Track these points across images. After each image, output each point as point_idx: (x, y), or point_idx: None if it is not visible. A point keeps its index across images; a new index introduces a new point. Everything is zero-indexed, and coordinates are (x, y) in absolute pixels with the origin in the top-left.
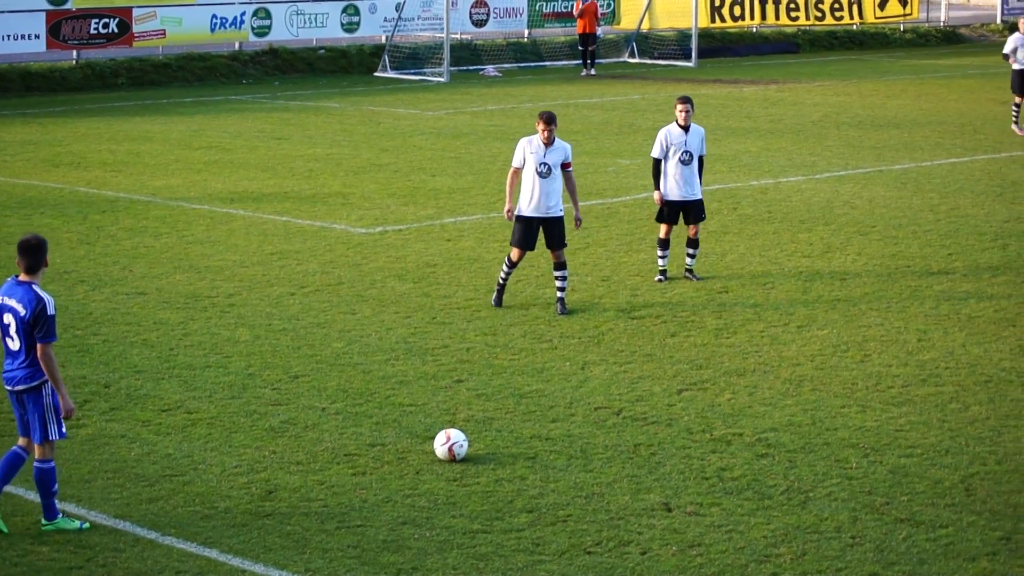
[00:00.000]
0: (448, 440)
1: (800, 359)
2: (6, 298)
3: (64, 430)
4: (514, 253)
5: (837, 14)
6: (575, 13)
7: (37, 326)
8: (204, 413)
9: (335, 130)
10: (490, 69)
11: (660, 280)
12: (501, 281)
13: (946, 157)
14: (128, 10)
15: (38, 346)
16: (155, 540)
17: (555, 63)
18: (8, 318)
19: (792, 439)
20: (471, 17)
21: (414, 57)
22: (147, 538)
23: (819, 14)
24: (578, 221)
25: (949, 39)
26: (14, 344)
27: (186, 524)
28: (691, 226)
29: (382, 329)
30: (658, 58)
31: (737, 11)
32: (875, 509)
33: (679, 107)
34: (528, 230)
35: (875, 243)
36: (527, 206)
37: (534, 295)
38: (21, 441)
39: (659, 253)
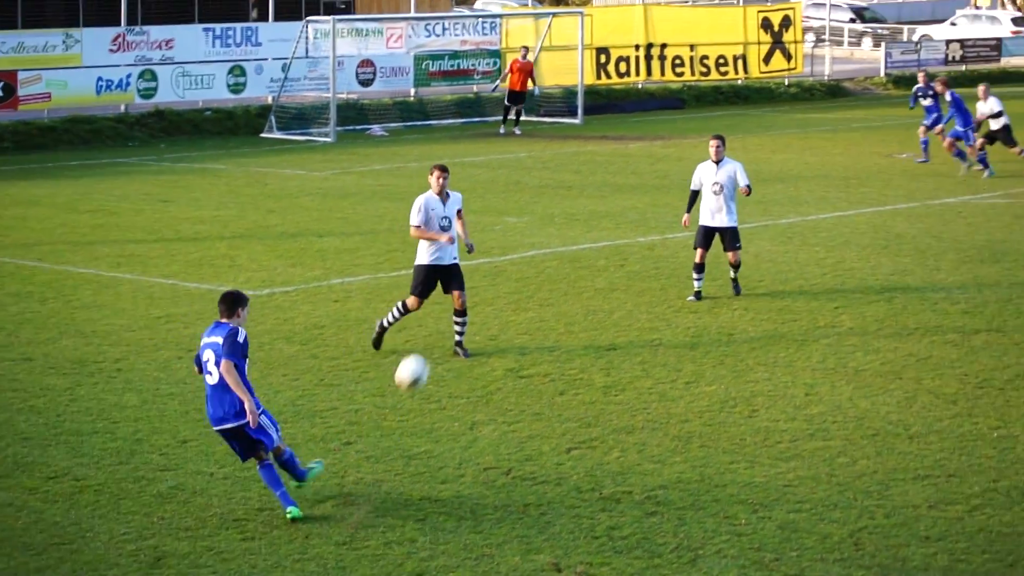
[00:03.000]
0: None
1: (688, 415)
2: (206, 338)
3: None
4: (412, 301)
5: (722, 69)
6: (508, 70)
7: (223, 344)
8: (92, 480)
9: (221, 192)
10: (376, 129)
11: (692, 300)
12: (386, 325)
13: (831, 211)
14: (13, 73)
15: (222, 360)
16: None
17: (441, 122)
18: (208, 354)
19: (681, 496)
20: (357, 77)
21: (300, 117)
22: None
23: (704, 69)
24: (470, 247)
25: (833, 92)
26: (212, 378)
27: None
28: (729, 253)
29: (270, 392)
30: (544, 115)
31: (623, 67)
32: (764, 565)
33: (711, 143)
34: (429, 278)
35: (761, 298)
36: (429, 256)
37: (422, 354)
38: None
39: (695, 276)
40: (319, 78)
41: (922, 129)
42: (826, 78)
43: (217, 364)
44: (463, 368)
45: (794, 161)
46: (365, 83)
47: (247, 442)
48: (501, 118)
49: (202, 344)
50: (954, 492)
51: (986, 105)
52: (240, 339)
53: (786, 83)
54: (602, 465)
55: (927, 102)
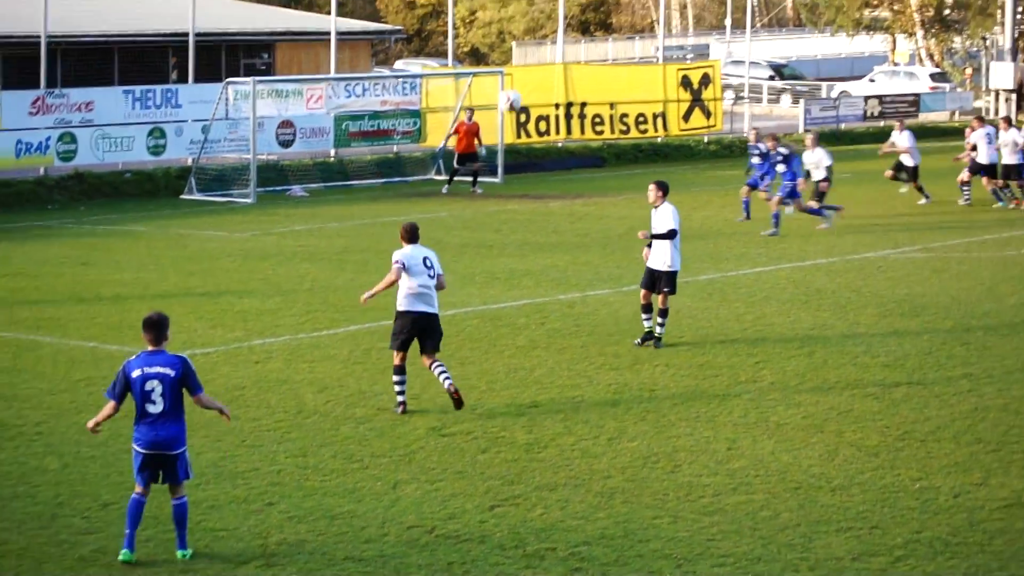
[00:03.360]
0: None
1: (611, 471)
2: (146, 367)
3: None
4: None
5: (642, 127)
6: (453, 131)
7: (187, 381)
8: (13, 544)
9: (142, 254)
10: (297, 189)
11: (637, 344)
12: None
13: (751, 267)
14: None
15: (195, 396)
16: None
17: (362, 182)
18: (151, 384)
19: (605, 552)
20: (278, 138)
21: (221, 179)
22: None
23: (624, 128)
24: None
25: None
26: (157, 407)
27: None
28: (658, 296)
29: (192, 454)
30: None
31: (543, 126)
32: None
33: (648, 188)
34: None
35: (683, 354)
36: None
37: (345, 413)
38: (140, 490)
39: (643, 316)
40: (239, 139)
41: (744, 190)
42: (745, 135)
43: (165, 394)
44: (385, 427)
45: (714, 218)
46: (285, 144)
47: (170, 474)
48: (447, 178)
49: (141, 374)
50: (877, 544)
51: (812, 155)
52: (193, 367)
53: (706, 140)
54: (525, 522)
55: (755, 160)
